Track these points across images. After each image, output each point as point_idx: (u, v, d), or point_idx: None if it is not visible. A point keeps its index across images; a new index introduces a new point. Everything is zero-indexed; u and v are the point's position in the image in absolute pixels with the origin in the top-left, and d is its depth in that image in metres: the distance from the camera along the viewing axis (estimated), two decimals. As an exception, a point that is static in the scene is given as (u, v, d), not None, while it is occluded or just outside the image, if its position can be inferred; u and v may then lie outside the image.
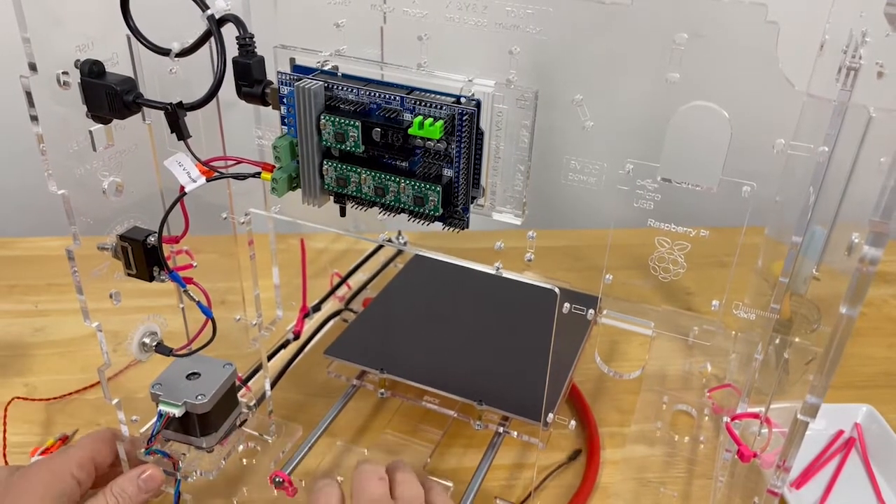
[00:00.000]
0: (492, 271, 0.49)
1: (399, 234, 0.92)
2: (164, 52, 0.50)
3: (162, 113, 0.52)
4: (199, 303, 0.55)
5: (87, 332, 0.84)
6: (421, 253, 0.59)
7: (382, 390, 0.69)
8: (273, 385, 0.70)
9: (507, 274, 0.49)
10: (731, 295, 0.78)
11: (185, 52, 0.50)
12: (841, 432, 0.72)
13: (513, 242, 0.49)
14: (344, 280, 0.86)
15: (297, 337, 0.75)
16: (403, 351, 0.72)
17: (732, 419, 0.48)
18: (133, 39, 0.52)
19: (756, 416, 0.47)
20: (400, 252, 0.91)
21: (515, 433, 0.66)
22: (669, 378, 0.77)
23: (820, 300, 0.65)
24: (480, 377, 0.69)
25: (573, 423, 0.67)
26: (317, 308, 0.81)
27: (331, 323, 0.81)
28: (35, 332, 0.83)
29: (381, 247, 0.92)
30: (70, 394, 0.75)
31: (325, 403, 0.70)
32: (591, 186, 0.43)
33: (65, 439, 0.70)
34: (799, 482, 0.67)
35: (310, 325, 0.80)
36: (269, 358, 0.74)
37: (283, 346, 0.75)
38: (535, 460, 0.69)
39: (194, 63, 0.54)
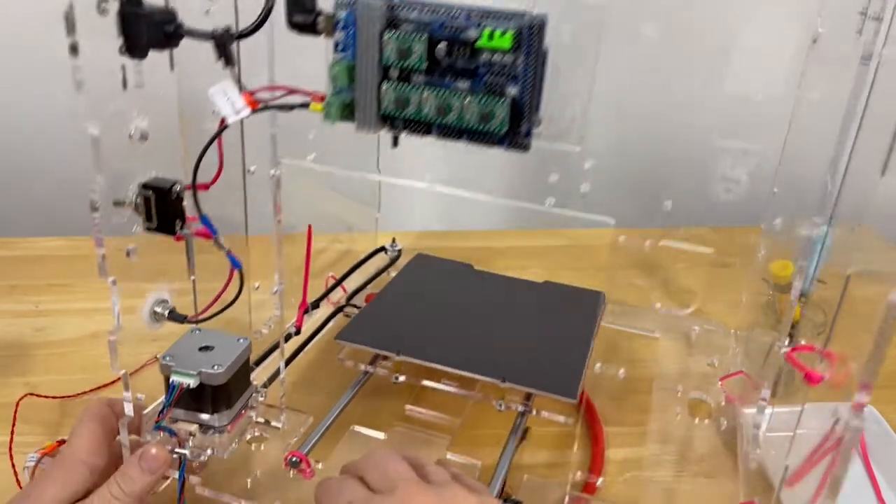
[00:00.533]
0: (543, 208, 0.48)
1: (393, 241, 0.90)
2: (204, -14, 0.49)
3: (191, 61, 0.50)
4: (228, 252, 0.52)
5: (87, 333, 0.82)
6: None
7: (397, 374, 0.66)
8: (274, 378, 0.66)
9: (558, 210, 0.48)
10: (731, 294, 0.79)
11: (228, -14, 0.49)
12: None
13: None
14: (339, 283, 0.83)
15: (298, 331, 0.72)
16: (418, 334, 0.69)
17: (791, 351, 0.48)
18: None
19: (812, 348, 0.47)
20: (398, 257, 0.90)
21: (535, 411, 0.64)
22: (679, 376, 0.77)
23: (824, 302, 0.66)
24: (500, 357, 0.67)
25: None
26: (315, 306, 0.78)
27: (333, 321, 0.78)
28: (35, 332, 0.82)
29: (376, 252, 0.90)
30: (81, 394, 0.72)
31: (335, 393, 0.67)
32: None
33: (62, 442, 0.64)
34: (793, 480, 0.66)
35: (310, 322, 0.77)
36: (272, 350, 0.70)
37: (286, 338, 0.71)
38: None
39: (227, 6, 0.53)
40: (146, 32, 0.47)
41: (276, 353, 0.69)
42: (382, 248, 0.90)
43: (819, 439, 0.52)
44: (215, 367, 0.54)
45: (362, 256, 0.88)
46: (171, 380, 0.54)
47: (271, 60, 0.52)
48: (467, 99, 0.44)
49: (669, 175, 0.54)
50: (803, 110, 0.64)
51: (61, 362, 0.78)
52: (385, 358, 0.68)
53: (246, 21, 0.49)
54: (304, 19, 0.46)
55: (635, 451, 0.67)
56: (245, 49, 0.50)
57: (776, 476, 0.58)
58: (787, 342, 0.73)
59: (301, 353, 0.72)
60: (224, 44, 0.46)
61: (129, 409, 0.53)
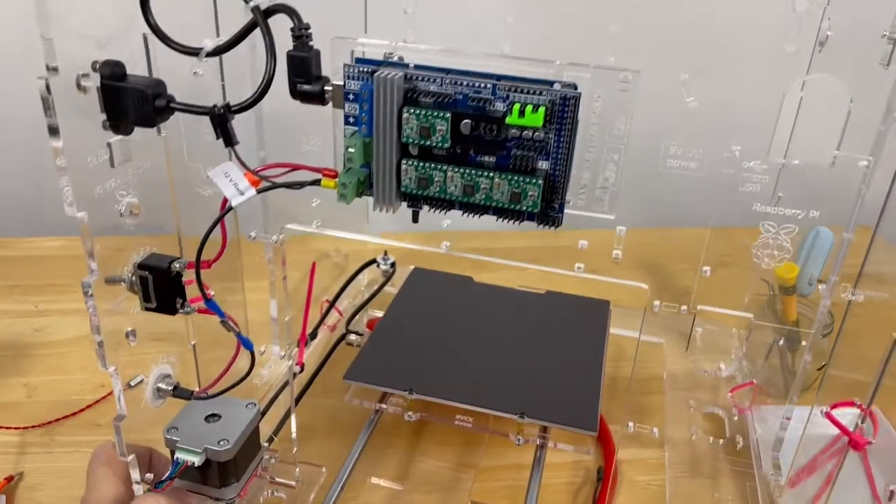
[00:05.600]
0: (573, 273, 0.46)
1: (385, 253, 0.87)
2: (193, 53, 0.45)
3: (180, 125, 0.46)
4: (238, 334, 0.49)
5: (87, 333, 0.75)
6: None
7: (410, 413, 0.64)
8: (282, 425, 0.63)
9: (590, 276, 0.46)
10: (731, 295, 0.78)
11: (219, 51, 0.44)
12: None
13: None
14: (332, 305, 0.80)
15: (302, 369, 0.69)
16: (428, 369, 0.67)
17: (832, 408, 0.46)
18: (150, 40, 0.46)
19: (852, 403, 0.46)
20: (393, 273, 0.86)
21: (552, 444, 0.63)
22: (687, 385, 0.76)
23: (832, 305, 0.65)
24: (515, 390, 0.65)
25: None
26: (312, 335, 0.75)
27: (336, 350, 0.75)
28: (35, 332, 0.82)
29: (364, 267, 0.86)
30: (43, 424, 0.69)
31: (345, 437, 0.64)
32: (692, 172, 0.41)
33: (9, 479, 0.63)
34: (794, 481, 0.66)
35: (309, 353, 0.74)
36: (274, 398, 0.67)
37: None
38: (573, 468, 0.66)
39: (214, 66, 0.48)
40: (133, 108, 0.43)
41: (280, 399, 0.66)
42: (373, 261, 0.87)
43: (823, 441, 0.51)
44: (221, 444, 0.52)
45: (353, 272, 0.85)
46: (175, 456, 0.51)
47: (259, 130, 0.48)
48: (496, 178, 0.41)
49: (670, 176, 0.52)
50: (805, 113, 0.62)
51: (61, 362, 0.77)
52: (395, 395, 0.66)
53: (230, 73, 0.45)
54: (310, 90, 0.42)
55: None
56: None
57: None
58: (780, 341, 0.73)
59: (307, 391, 0.70)
60: (224, 122, 0.42)
61: (138, 490, 0.51)
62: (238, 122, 0.44)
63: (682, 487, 0.65)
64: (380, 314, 0.77)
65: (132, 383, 0.50)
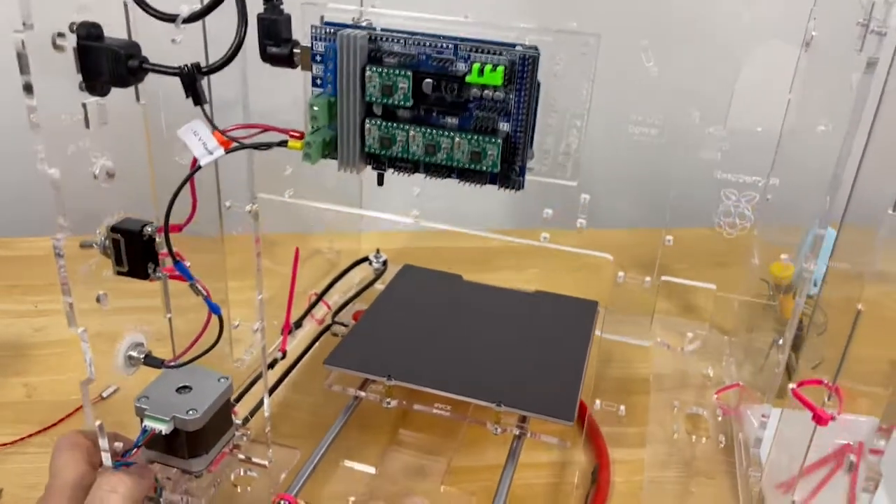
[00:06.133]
0: (538, 244, 0.46)
1: (377, 251, 0.87)
2: (170, 19, 0.46)
3: (159, 94, 0.47)
4: (206, 298, 0.49)
5: None
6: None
7: (388, 399, 0.64)
8: (258, 409, 0.63)
9: (554, 246, 0.46)
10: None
11: (195, 17, 0.45)
12: (846, 446, 0.68)
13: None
14: (320, 298, 0.80)
15: (283, 356, 0.69)
16: (409, 357, 0.67)
17: (798, 385, 0.46)
18: (130, 5, 0.47)
19: (819, 382, 0.45)
20: (384, 270, 0.87)
21: (531, 434, 0.62)
22: (674, 383, 0.75)
23: (826, 303, 0.65)
24: (494, 379, 0.65)
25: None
26: (297, 325, 0.75)
27: (320, 340, 0.75)
28: (35, 332, 0.81)
29: (356, 264, 0.87)
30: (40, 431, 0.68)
31: (322, 423, 0.64)
32: (653, 139, 0.41)
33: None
34: (786, 487, 0.64)
35: (295, 343, 0.74)
36: (255, 381, 0.67)
37: (271, 366, 0.68)
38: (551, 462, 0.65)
39: (188, 36, 0.49)
40: (107, 68, 0.44)
41: (259, 383, 0.66)
42: (365, 259, 0.87)
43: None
44: (190, 413, 0.52)
45: (344, 268, 0.85)
46: (143, 424, 0.52)
47: (245, 93, 0.49)
48: (457, 138, 0.41)
49: (671, 175, 0.51)
50: (795, 115, 0.62)
51: (60, 362, 0.77)
52: (375, 381, 0.66)
53: (218, 49, 0.46)
54: (278, 52, 0.43)
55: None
56: (216, 79, 0.47)
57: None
58: (780, 340, 0.72)
59: (287, 378, 0.70)
60: (193, 81, 0.43)
61: (106, 460, 0.51)
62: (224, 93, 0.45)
63: (660, 488, 0.64)
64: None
65: (104, 395, 0.51)
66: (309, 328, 0.78)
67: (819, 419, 0.43)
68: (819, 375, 0.43)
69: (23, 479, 0.63)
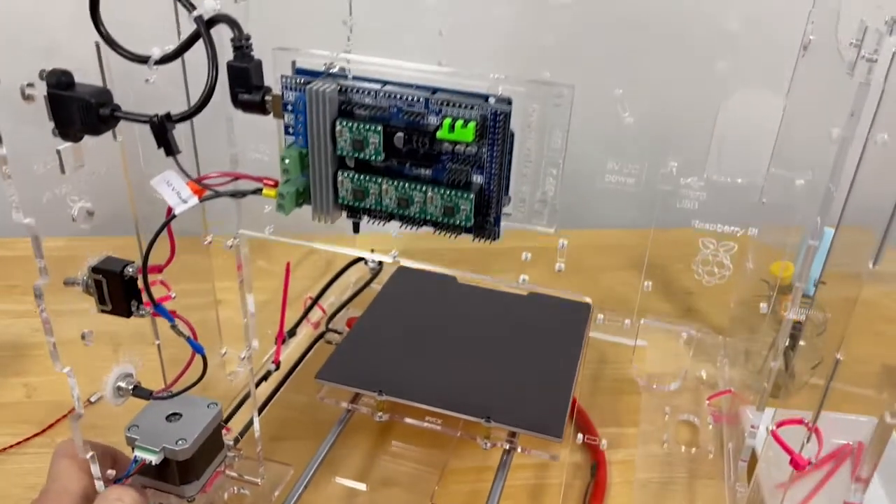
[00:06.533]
0: (516, 287, 0.45)
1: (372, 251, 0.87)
2: (142, 60, 0.45)
3: (135, 130, 0.47)
4: (189, 339, 0.50)
5: (87, 333, 0.78)
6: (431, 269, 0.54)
7: (380, 413, 0.65)
8: (250, 426, 0.64)
9: (538, 289, 0.46)
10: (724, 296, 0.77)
11: (167, 59, 0.44)
12: (846, 446, 0.68)
13: (513, 242, 0.45)
14: (315, 302, 0.81)
15: (277, 367, 0.70)
16: (400, 370, 0.67)
17: (778, 426, 0.46)
18: (102, 47, 0.46)
19: (800, 422, 0.45)
20: (380, 270, 0.87)
21: (521, 449, 0.63)
22: (667, 384, 0.75)
23: (826, 304, 0.64)
24: (484, 393, 0.65)
25: (580, 435, 0.64)
26: (291, 333, 0.76)
27: (315, 348, 0.76)
28: (35, 333, 0.81)
29: (351, 265, 0.87)
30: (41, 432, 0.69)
31: (316, 435, 0.65)
32: (629, 188, 0.40)
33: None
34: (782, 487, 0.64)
35: (289, 352, 0.75)
36: (246, 398, 0.68)
37: (265, 377, 0.69)
38: (546, 476, 0.66)
39: (170, 72, 0.49)
40: (79, 117, 0.43)
41: (250, 401, 0.67)
42: (360, 259, 0.87)
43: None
44: (179, 443, 0.53)
45: (340, 268, 0.85)
46: (134, 454, 0.53)
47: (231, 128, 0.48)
48: (429, 192, 0.41)
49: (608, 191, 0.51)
50: (792, 116, 0.61)
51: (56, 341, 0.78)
52: (366, 395, 0.66)
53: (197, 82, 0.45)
54: (249, 98, 0.43)
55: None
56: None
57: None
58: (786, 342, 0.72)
59: (281, 389, 0.70)
60: (164, 131, 0.42)
61: (99, 486, 0.52)
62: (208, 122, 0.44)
63: (651, 489, 0.64)
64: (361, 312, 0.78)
65: (92, 399, 0.52)
66: (305, 332, 0.79)
67: (796, 465, 0.43)
68: (813, 382, 0.42)
69: (23, 479, 0.65)
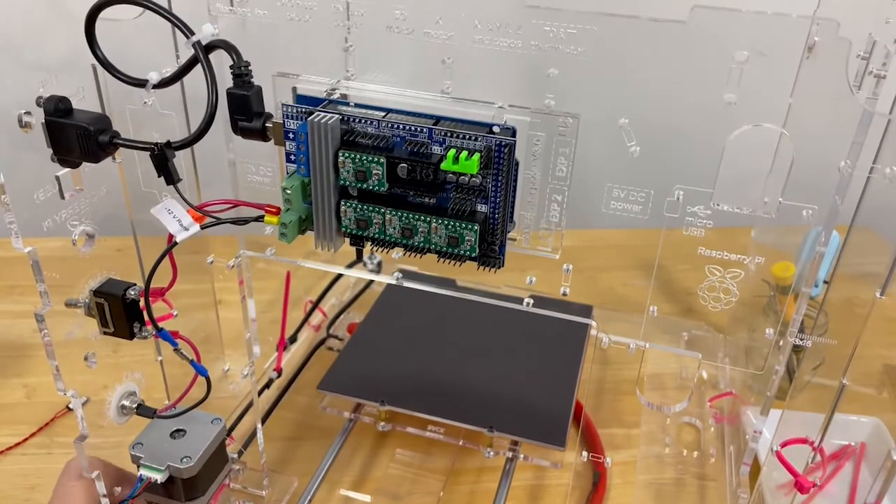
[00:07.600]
0: (521, 307, 0.45)
1: (371, 252, 0.87)
2: (140, 84, 0.44)
3: (134, 152, 0.46)
4: (192, 361, 0.49)
5: (86, 333, 0.78)
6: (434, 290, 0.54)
7: (383, 423, 0.65)
8: (254, 434, 0.64)
9: (539, 311, 0.46)
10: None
11: (164, 83, 0.44)
12: (847, 447, 0.68)
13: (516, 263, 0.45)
14: (316, 305, 0.80)
15: (279, 374, 0.70)
16: (401, 379, 0.67)
17: (782, 446, 0.46)
18: (100, 71, 0.46)
19: (804, 441, 0.45)
20: (378, 271, 0.86)
21: (522, 457, 0.63)
22: (667, 385, 0.75)
23: (828, 304, 0.64)
24: (486, 403, 0.65)
25: (585, 454, 0.65)
26: (293, 339, 0.76)
27: (316, 354, 0.76)
28: (35, 333, 0.81)
29: (351, 265, 0.86)
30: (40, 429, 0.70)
31: (319, 444, 0.65)
32: (635, 215, 0.40)
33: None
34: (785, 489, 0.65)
35: (289, 357, 0.75)
36: (248, 407, 0.68)
37: (267, 385, 0.69)
38: (548, 483, 0.66)
39: (168, 95, 0.48)
40: (78, 144, 0.43)
41: (252, 412, 0.67)
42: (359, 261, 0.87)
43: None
44: (184, 461, 0.53)
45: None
46: (139, 472, 0.53)
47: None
48: (434, 223, 0.40)
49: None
50: (796, 116, 0.60)
51: (60, 363, 0.77)
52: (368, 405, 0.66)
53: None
54: (250, 126, 0.42)
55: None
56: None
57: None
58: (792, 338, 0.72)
59: (283, 397, 0.70)
60: (164, 161, 0.42)
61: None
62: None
63: (651, 490, 0.65)
64: (362, 316, 0.78)
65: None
66: (306, 335, 0.78)
67: (801, 488, 0.43)
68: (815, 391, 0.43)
69: (24, 479, 0.65)
